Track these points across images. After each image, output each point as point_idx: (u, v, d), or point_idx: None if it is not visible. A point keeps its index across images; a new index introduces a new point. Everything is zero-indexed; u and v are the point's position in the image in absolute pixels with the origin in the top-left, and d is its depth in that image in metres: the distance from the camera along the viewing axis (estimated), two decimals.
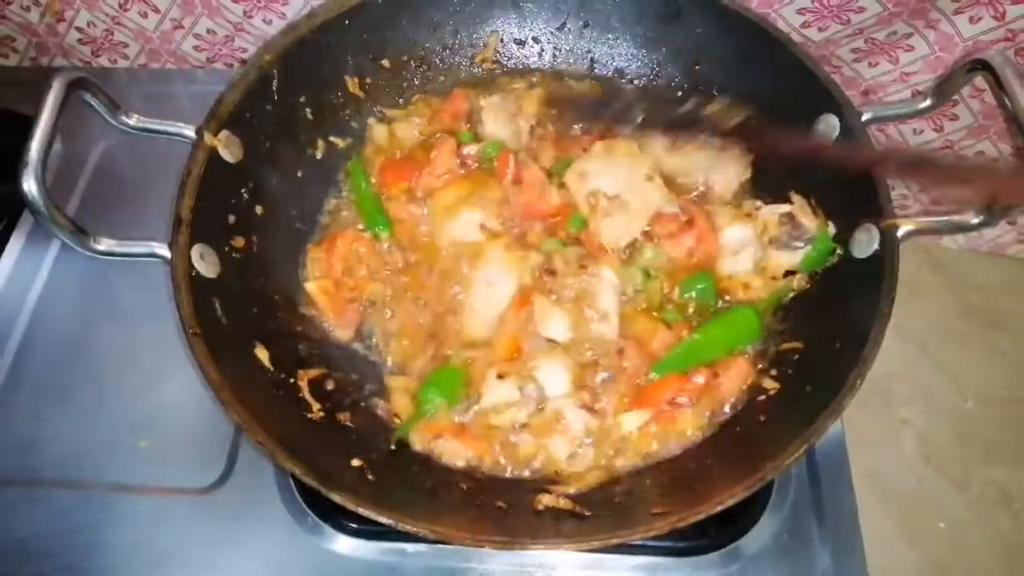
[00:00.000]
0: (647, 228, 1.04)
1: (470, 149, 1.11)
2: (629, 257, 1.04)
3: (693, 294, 1.02)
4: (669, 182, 1.07)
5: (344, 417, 0.96)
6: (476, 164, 1.12)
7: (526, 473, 0.93)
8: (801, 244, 1.00)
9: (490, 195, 1.07)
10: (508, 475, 0.93)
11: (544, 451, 0.93)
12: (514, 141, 1.13)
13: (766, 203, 1.05)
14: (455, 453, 0.94)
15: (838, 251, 0.98)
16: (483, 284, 1.02)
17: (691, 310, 1.02)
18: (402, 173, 1.11)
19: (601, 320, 0.97)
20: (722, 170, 1.09)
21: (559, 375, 0.95)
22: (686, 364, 0.97)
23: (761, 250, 1.02)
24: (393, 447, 0.94)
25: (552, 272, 1.01)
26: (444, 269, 1.05)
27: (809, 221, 1.01)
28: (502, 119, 1.13)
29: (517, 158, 1.09)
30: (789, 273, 1.03)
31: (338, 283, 1.04)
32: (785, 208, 1.02)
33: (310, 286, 1.04)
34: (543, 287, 1.00)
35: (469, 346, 1.00)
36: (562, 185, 1.06)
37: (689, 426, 0.95)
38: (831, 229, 1.00)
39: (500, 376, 0.94)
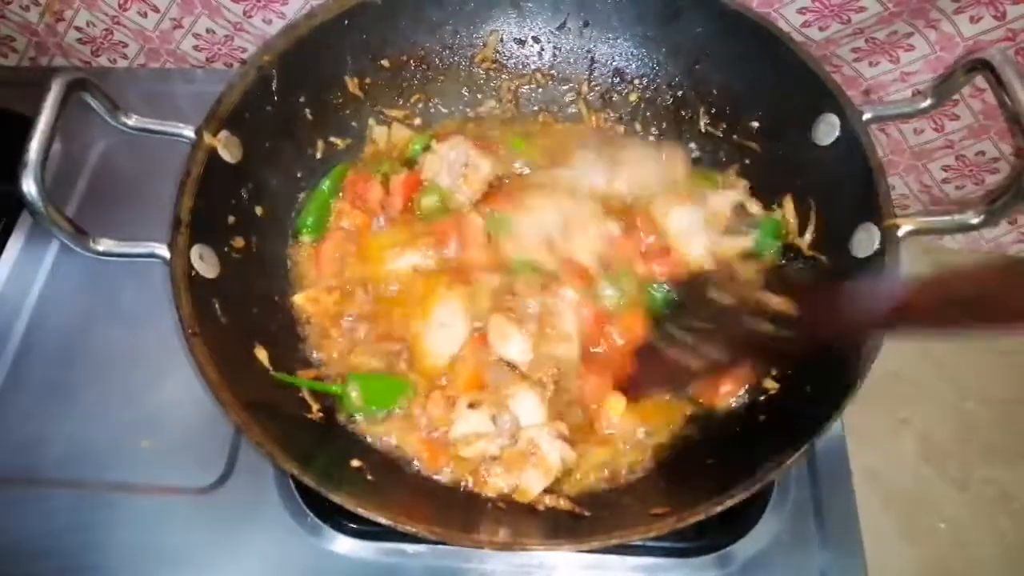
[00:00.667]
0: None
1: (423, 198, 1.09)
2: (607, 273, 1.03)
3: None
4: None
5: (343, 417, 0.96)
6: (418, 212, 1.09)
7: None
8: (750, 229, 1.05)
9: (425, 241, 1.06)
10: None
11: (517, 484, 0.89)
12: (454, 197, 1.09)
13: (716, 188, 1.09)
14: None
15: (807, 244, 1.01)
16: (436, 326, 0.99)
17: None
18: (363, 193, 1.10)
19: (562, 340, 0.95)
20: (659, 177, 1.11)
21: (532, 403, 0.93)
22: None
23: (710, 237, 1.06)
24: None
25: (513, 293, 1.00)
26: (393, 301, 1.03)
27: (756, 207, 1.06)
28: (444, 173, 1.09)
29: (460, 219, 1.06)
30: (750, 257, 1.06)
31: (329, 290, 1.04)
32: (734, 196, 1.06)
33: (298, 299, 1.03)
34: (502, 306, 0.99)
35: (422, 374, 0.98)
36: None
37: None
38: (777, 213, 1.05)
39: (472, 405, 0.92)
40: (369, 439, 0.95)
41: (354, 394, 0.94)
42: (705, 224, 1.05)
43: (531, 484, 0.89)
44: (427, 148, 1.13)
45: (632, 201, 1.10)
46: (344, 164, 1.15)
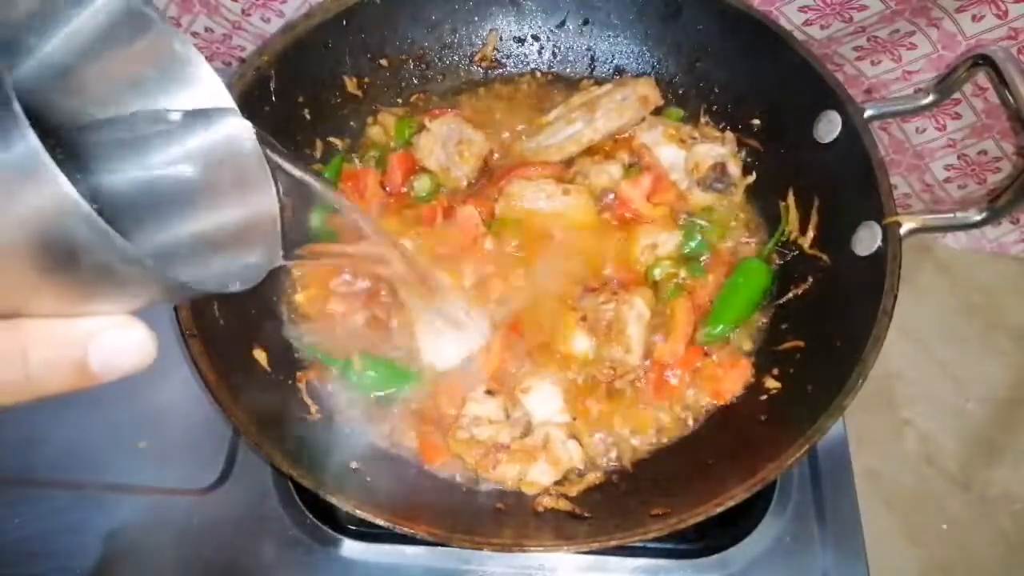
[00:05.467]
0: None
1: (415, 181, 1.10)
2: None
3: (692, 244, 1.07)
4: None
5: (342, 419, 0.96)
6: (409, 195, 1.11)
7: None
8: (722, 187, 1.07)
9: (416, 230, 1.06)
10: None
11: (524, 475, 0.90)
12: (450, 175, 1.11)
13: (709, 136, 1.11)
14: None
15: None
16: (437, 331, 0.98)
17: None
18: (360, 181, 1.11)
19: (626, 351, 0.97)
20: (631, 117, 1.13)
21: (552, 398, 0.94)
22: (733, 317, 1.00)
23: (687, 181, 1.09)
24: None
25: (594, 290, 1.01)
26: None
27: (736, 169, 1.08)
28: (438, 150, 1.10)
29: (449, 198, 1.09)
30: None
31: (328, 291, 1.03)
32: (720, 151, 1.07)
33: (298, 299, 1.03)
34: (573, 306, 1.01)
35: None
36: (497, 235, 1.06)
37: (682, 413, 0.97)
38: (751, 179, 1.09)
39: (489, 392, 0.94)
40: (368, 436, 0.95)
41: (358, 366, 0.94)
42: (685, 169, 1.08)
43: (540, 477, 0.90)
44: (420, 129, 1.13)
45: (620, 138, 1.13)
46: (342, 156, 1.14)
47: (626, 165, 1.11)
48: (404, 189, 1.11)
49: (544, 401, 0.94)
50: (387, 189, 1.11)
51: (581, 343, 0.98)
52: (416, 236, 1.06)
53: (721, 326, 1.00)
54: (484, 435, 0.91)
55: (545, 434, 0.91)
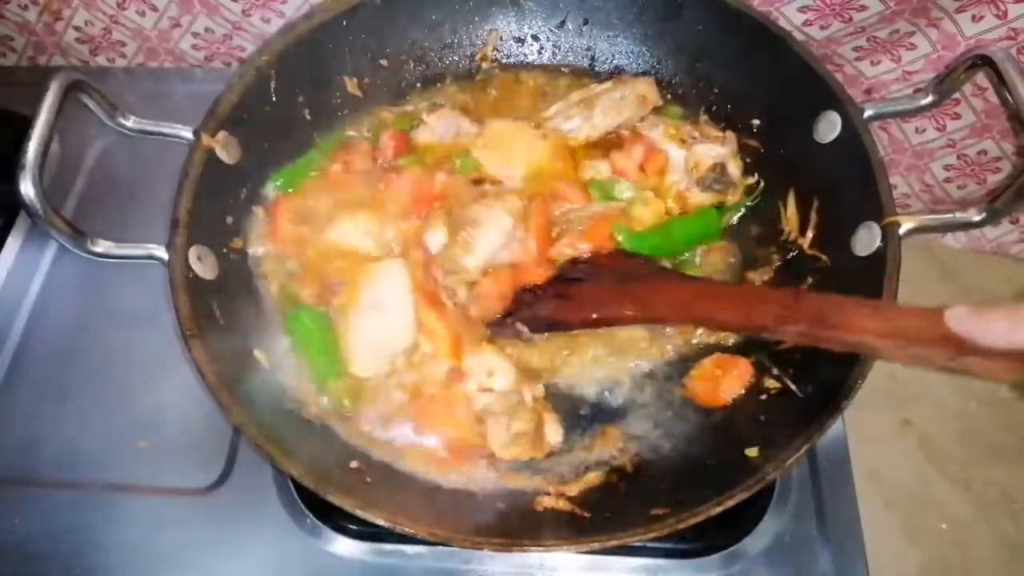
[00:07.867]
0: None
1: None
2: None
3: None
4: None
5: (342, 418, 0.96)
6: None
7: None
8: (721, 188, 1.07)
9: (368, 197, 1.04)
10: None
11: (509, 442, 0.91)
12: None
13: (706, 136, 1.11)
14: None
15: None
16: (371, 309, 0.95)
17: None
18: (351, 152, 1.10)
19: (467, 252, 0.97)
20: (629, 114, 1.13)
21: (504, 371, 0.95)
22: (658, 247, 1.03)
23: (686, 180, 1.09)
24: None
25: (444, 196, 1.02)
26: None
27: (736, 169, 1.08)
28: (436, 142, 1.11)
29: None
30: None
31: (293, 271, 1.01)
32: (720, 151, 1.07)
33: (269, 284, 1.00)
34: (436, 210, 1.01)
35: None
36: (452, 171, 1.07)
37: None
38: (752, 179, 1.09)
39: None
40: (367, 435, 0.94)
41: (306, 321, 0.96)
42: (685, 169, 1.08)
43: (496, 438, 0.91)
44: (418, 124, 1.13)
45: (616, 133, 1.13)
46: (341, 130, 1.13)
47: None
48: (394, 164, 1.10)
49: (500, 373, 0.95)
50: (378, 162, 1.10)
51: (436, 238, 0.98)
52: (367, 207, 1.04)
53: (636, 237, 1.01)
54: (480, 403, 0.91)
55: (535, 410, 0.92)
